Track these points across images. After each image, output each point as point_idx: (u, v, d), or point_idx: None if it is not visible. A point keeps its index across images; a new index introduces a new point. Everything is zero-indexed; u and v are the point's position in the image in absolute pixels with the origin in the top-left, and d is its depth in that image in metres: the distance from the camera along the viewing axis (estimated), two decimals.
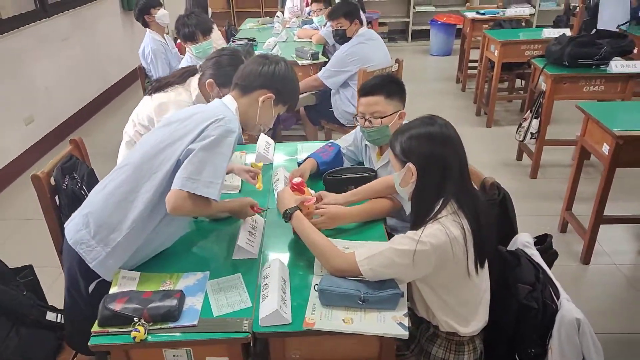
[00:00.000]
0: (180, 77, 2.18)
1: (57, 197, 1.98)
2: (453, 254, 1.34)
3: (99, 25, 5.32)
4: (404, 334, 1.30)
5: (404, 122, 1.93)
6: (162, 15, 3.79)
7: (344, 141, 2.21)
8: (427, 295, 1.45)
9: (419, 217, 1.40)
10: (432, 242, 1.33)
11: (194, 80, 2.13)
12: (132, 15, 6.03)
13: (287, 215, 1.56)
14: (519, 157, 4.00)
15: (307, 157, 2.08)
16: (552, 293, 1.44)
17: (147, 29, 3.88)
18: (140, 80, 3.87)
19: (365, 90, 1.94)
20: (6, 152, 3.80)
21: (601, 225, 2.72)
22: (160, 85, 2.16)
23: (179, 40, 4.51)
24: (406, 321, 1.33)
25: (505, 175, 3.74)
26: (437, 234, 1.33)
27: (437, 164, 1.39)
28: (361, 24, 3.47)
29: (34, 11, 4.27)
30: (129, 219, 1.47)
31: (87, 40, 5.08)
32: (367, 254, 1.40)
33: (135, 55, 3.96)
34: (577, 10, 5.07)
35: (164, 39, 3.92)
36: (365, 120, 1.92)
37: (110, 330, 1.31)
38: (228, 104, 1.61)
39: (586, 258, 2.78)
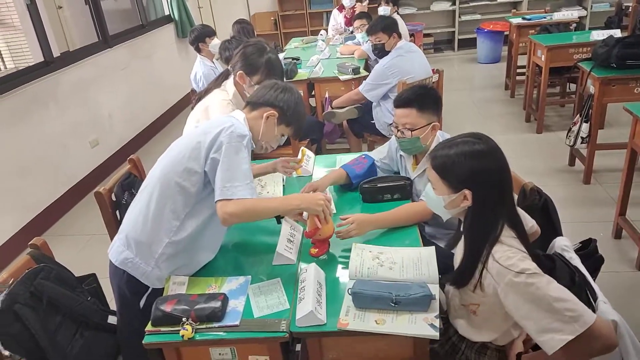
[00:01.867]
0: (216, 82, 2.31)
1: (117, 212, 2.17)
2: None
3: (156, 53, 5.68)
4: (435, 334, 1.34)
5: (438, 134, 1.98)
6: (214, 44, 4.01)
7: (379, 153, 2.24)
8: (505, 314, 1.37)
9: (479, 240, 1.36)
10: (531, 265, 1.27)
11: (229, 81, 2.24)
12: (186, 42, 6.41)
13: None
14: (572, 162, 3.89)
15: (340, 167, 2.15)
16: (589, 296, 1.43)
17: (198, 54, 4.13)
18: (191, 107, 4.10)
19: (399, 102, 2.00)
20: (75, 173, 4.13)
21: None
22: (200, 97, 2.30)
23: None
24: (437, 322, 1.37)
25: (558, 181, 3.64)
26: (523, 257, 1.29)
27: (495, 183, 1.34)
28: (399, 37, 3.53)
29: (97, 43, 4.64)
30: (163, 231, 1.61)
31: (145, 68, 5.44)
32: (545, 330, 1.23)
33: (189, 80, 4.20)
34: (630, 10, 4.88)
35: (213, 63, 4.15)
36: (398, 131, 1.98)
37: (162, 329, 1.43)
38: (236, 116, 1.72)
39: None
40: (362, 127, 3.78)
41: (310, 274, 1.52)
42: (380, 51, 3.55)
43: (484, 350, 1.50)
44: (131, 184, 2.24)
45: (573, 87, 5.03)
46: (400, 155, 2.14)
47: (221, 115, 2.07)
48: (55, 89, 3.97)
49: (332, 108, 3.73)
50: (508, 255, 1.30)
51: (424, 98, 1.97)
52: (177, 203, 1.61)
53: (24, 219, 3.56)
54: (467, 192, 1.35)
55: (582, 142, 3.47)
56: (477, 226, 1.38)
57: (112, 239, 2.11)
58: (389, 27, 3.47)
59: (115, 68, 4.84)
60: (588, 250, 1.66)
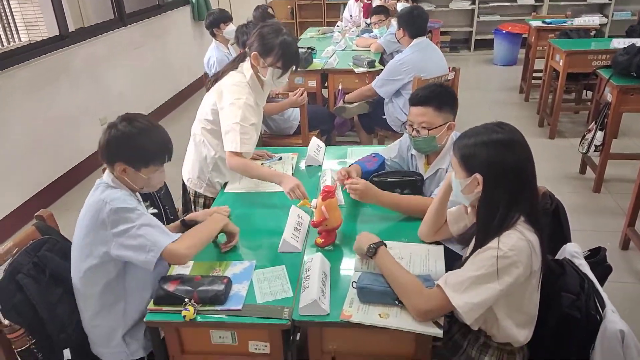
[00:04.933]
0: (232, 64, 2.26)
1: None
2: (532, 264, 1.31)
3: (170, 34, 5.66)
4: (439, 332, 1.33)
5: (453, 133, 1.95)
6: (229, 31, 3.97)
7: (389, 151, 2.20)
8: (500, 309, 1.38)
9: (489, 227, 1.35)
10: (514, 252, 1.28)
11: (246, 64, 2.18)
12: (202, 25, 6.37)
13: (372, 250, 1.52)
14: (583, 170, 3.85)
15: (353, 164, 2.13)
16: (597, 304, 1.41)
17: (213, 39, 4.10)
18: (206, 88, 4.08)
19: (415, 100, 1.95)
20: (83, 149, 4.13)
21: None
22: (217, 78, 2.25)
23: (240, 50, 4.76)
24: (442, 320, 1.36)
25: (567, 188, 3.61)
26: (517, 243, 1.30)
27: (508, 173, 1.34)
28: (411, 37, 3.46)
29: (113, 20, 4.62)
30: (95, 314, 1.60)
31: (158, 49, 5.42)
32: (456, 289, 1.32)
33: (201, 63, 4.18)
34: None
35: (228, 49, 4.12)
36: (413, 129, 1.94)
37: (164, 308, 1.43)
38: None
39: None
40: (373, 122, 3.75)
41: (316, 263, 1.51)
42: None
43: (485, 349, 1.48)
44: None
45: (588, 94, 4.98)
46: (412, 154, 2.11)
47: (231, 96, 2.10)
48: (68, 64, 3.96)
49: (344, 102, 3.70)
50: (514, 244, 1.29)
51: (441, 97, 1.93)
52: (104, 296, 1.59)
53: (31, 191, 3.57)
54: (478, 176, 1.36)
55: (595, 150, 3.43)
56: (485, 214, 1.38)
57: None
58: (401, 18, 3.42)
59: (129, 47, 4.82)
60: (597, 258, 1.64)
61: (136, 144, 1.54)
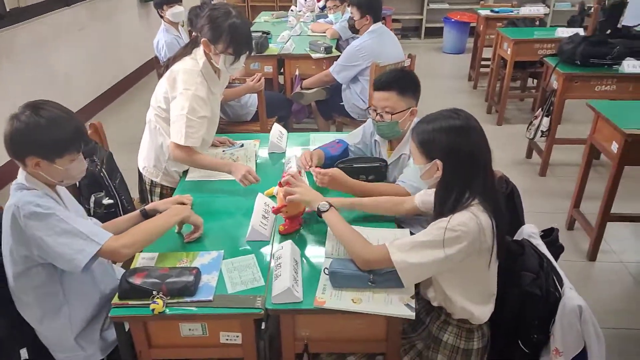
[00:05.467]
0: (185, 49, 2.15)
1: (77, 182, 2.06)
2: (480, 243, 1.35)
3: (116, 15, 5.39)
4: (411, 314, 1.36)
5: (415, 119, 1.97)
6: (175, 13, 3.79)
7: (353, 137, 2.22)
8: (447, 284, 1.45)
9: (444, 208, 1.40)
10: (462, 228, 1.33)
11: (199, 49, 2.06)
12: (148, 7, 6.11)
13: (324, 207, 1.58)
14: (529, 155, 4.03)
15: (316, 149, 2.12)
16: (556, 282, 1.48)
17: (162, 21, 3.92)
18: (156, 71, 3.93)
19: (379, 85, 1.96)
20: None
21: (608, 224, 2.75)
22: (168, 64, 2.15)
23: (194, 33, 4.60)
24: (413, 303, 1.39)
25: (515, 172, 3.76)
26: (468, 222, 1.34)
27: (464, 158, 1.39)
28: (374, 20, 3.49)
29: (55, 0, 4.35)
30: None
31: (104, 31, 5.15)
32: (400, 248, 1.39)
33: (151, 46, 4.02)
34: (592, 10, 5.05)
35: (179, 31, 3.96)
36: (376, 114, 1.96)
37: (130, 302, 1.38)
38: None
39: (592, 255, 2.81)
40: (331, 109, 3.75)
41: (287, 251, 1.50)
42: (352, 27, 3.52)
43: (445, 326, 1.53)
44: (92, 151, 2.12)
45: (534, 82, 5.19)
46: (375, 140, 2.13)
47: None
48: (8, 45, 3.69)
49: (302, 89, 3.68)
50: (463, 221, 1.34)
51: (404, 82, 1.95)
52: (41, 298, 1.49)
53: None
54: (438, 162, 1.41)
55: (541, 136, 3.59)
56: (442, 196, 1.44)
57: None
58: (362, 5, 3.42)
59: (73, 28, 4.56)
60: (550, 238, 1.72)
61: (45, 133, 1.38)
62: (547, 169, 3.73)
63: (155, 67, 3.92)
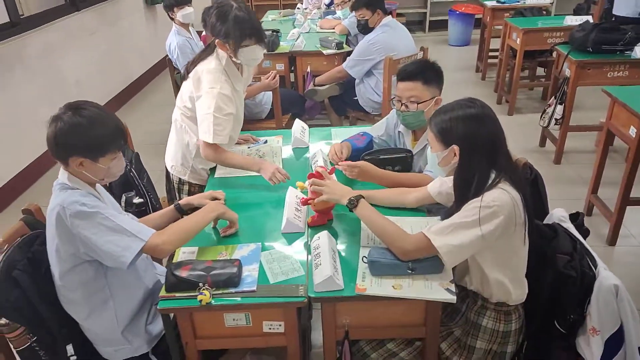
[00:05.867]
0: (208, 48, 2.17)
1: None
2: (516, 216, 1.39)
3: (123, 20, 5.44)
4: (452, 298, 1.39)
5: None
6: (185, 14, 3.81)
7: (376, 130, 2.25)
8: (487, 263, 1.47)
9: (468, 192, 1.44)
10: (497, 203, 1.37)
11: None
12: (155, 11, 6.14)
13: (353, 202, 1.60)
14: (542, 143, 4.05)
15: (342, 142, 2.15)
16: (590, 262, 1.51)
17: (173, 23, 3.95)
18: (169, 73, 3.96)
19: (404, 75, 1.99)
20: (41, 142, 3.92)
21: (627, 208, 2.77)
22: (192, 63, 2.18)
23: (204, 33, 4.62)
24: (453, 287, 1.41)
25: (530, 161, 3.71)
26: (501, 196, 1.38)
27: (482, 144, 1.43)
28: (385, 13, 3.52)
29: (64, 6, 4.39)
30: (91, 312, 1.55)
31: (113, 35, 5.20)
32: (439, 234, 1.42)
33: (158, 50, 4.06)
34: None
35: (190, 33, 3.99)
36: (401, 105, 1.99)
37: (177, 295, 1.41)
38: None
39: (612, 239, 2.83)
40: (345, 104, 3.78)
41: (324, 241, 1.53)
42: (364, 27, 3.54)
43: (483, 311, 1.55)
44: (122, 151, 2.16)
45: (542, 71, 5.20)
46: (399, 131, 2.15)
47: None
48: (21, 52, 3.74)
49: (315, 85, 3.70)
50: (496, 196, 1.39)
51: (428, 71, 1.98)
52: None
53: None
54: (455, 148, 1.46)
55: (555, 124, 3.61)
56: (461, 182, 1.48)
57: None
58: (372, 3, 3.45)
59: (83, 33, 4.60)
60: (577, 222, 1.74)
61: (89, 133, 1.42)
62: (561, 157, 3.75)
63: (169, 70, 3.96)
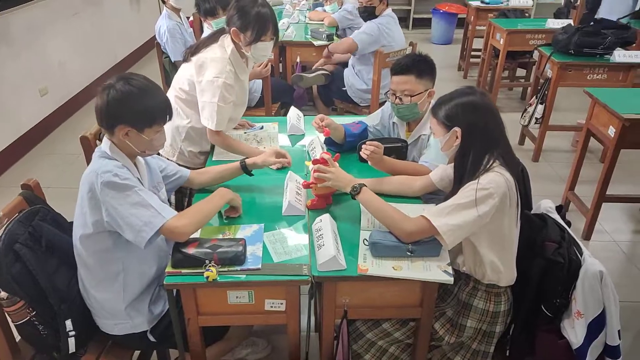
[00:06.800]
0: (213, 37, 2.21)
1: None
2: (510, 197, 1.48)
3: (108, 1, 5.33)
4: (449, 279, 1.45)
5: (432, 100, 2.07)
6: (177, 0, 3.83)
7: (371, 119, 2.30)
8: (481, 243, 1.54)
9: (466, 175, 1.52)
10: (492, 185, 1.45)
11: (226, 37, 2.15)
12: None
13: (356, 189, 1.64)
14: (522, 142, 4.18)
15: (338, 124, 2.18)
16: (576, 250, 1.60)
17: (164, 6, 3.92)
18: (157, 56, 3.93)
19: (397, 69, 2.05)
20: (24, 122, 3.85)
21: (602, 205, 2.90)
22: (196, 49, 2.21)
23: (191, 19, 4.58)
24: (450, 269, 1.48)
25: None
26: (495, 178, 1.47)
27: (482, 129, 1.52)
28: (387, 5, 3.56)
29: None
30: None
31: (96, 16, 5.10)
32: (437, 215, 1.48)
33: (143, 32, 4.00)
34: (578, 3, 5.24)
35: (180, 17, 3.96)
36: (395, 98, 2.04)
37: (183, 271, 1.43)
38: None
39: (588, 234, 2.97)
40: (333, 94, 3.81)
41: (326, 223, 1.58)
42: (370, 14, 3.49)
43: (474, 292, 1.63)
44: None
45: (521, 72, 5.35)
46: (393, 122, 2.21)
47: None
48: (4, 29, 3.64)
49: (330, 53, 3.71)
50: (491, 178, 1.47)
51: (421, 65, 2.04)
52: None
53: None
54: (457, 129, 1.54)
55: (535, 123, 3.74)
56: (461, 161, 1.56)
57: None
58: None
59: (67, 13, 4.50)
60: (560, 214, 1.84)
61: (139, 103, 1.47)
62: (540, 155, 3.89)
63: (157, 53, 3.92)
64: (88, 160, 2.06)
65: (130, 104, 1.46)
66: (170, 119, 1.58)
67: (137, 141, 1.52)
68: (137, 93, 1.47)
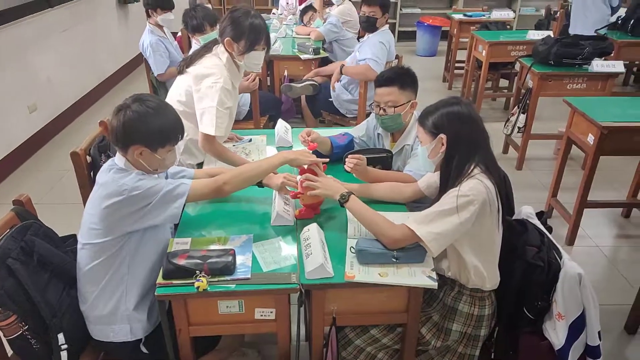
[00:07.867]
0: (206, 47, 2.28)
1: (92, 173, 2.12)
2: (490, 203, 1.53)
3: (96, 18, 5.39)
4: (434, 284, 1.50)
5: (415, 111, 2.14)
6: (165, 19, 3.82)
7: (357, 130, 2.36)
8: (465, 249, 1.59)
9: (450, 181, 1.58)
10: (473, 192, 1.51)
11: (220, 47, 2.20)
12: (127, 9, 6.09)
13: (344, 197, 1.68)
14: (505, 150, 4.27)
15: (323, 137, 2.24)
16: (555, 254, 1.65)
17: (148, 22, 3.93)
18: (145, 71, 3.97)
19: (382, 82, 2.13)
20: (13, 139, 3.86)
21: (584, 210, 2.98)
22: (190, 61, 2.26)
23: (179, 34, 4.64)
24: (434, 274, 1.53)
25: None
26: (475, 185, 1.52)
27: (466, 136, 1.58)
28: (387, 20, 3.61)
29: (38, 1, 4.32)
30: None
31: (85, 33, 5.14)
32: (420, 222, 1.53)
33: (131, 48, 4.05)
34: (558, 15, 5.38)
35: (165, 33, 3.98)
36: (380, 109, 2.11)
37: (174, 282, 1.46)
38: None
39: (571, 240, 3.04)
40: (320, 106, 3.87)
41: (314, 232, 1.62)
42: (370, 26, 3.47)
43: (459, 297, 1.67)
44: (106, 147, 2.18)
45: (504, 82, 5.47)
46: (378, 133, 2.27)
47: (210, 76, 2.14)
48: None
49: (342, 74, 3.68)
50: (471, 186, 1.53)
51: (404, 77, 2.12)
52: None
53: None
54: (442, 136, 1.60)
55: (518, 132, 3.83)
56: (447, 168, 1.62)
57: (84, 200, 2.03)
58: (386, 5, 3.48)
59: (56, 30, 4.54)
60: (541, 220, 1.90)
61: (153, 124, 1.53)
62: (523, 163, 3.98)
63: (145, 68, 3.95)
64: (78, 175, 2.10)
65: (145, 125, 1.52)
66: (182, 138, 1.63)
67: (150, 160, 1.58)
68: (152, 114, 1.53)
